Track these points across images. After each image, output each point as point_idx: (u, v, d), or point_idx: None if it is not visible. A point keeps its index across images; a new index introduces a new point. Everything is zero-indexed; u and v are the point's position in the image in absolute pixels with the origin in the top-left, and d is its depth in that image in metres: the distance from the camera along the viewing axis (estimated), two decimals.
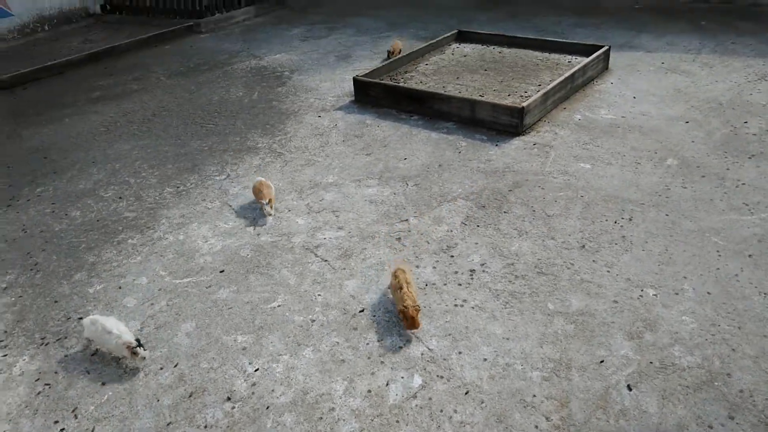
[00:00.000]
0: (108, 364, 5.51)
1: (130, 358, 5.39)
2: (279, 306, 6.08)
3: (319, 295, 6.18)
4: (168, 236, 7.34)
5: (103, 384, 5.34)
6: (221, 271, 6.65)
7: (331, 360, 5.44)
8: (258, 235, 7.22)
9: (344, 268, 6.54)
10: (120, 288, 6.50)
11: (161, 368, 5.46)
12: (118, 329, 5.42)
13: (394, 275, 5.77)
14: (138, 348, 5.35)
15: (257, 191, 7.48)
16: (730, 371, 5.08)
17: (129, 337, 5.41)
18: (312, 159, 8.94)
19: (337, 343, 5.61)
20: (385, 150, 9.00)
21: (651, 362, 5.23)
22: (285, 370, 5.37)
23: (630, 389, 5.00)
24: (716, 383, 4.99)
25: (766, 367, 5.08)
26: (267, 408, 5.03)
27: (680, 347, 5.35)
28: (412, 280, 5.80)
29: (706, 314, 5.67)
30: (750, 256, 6.34)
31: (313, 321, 5.87)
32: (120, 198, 8.30)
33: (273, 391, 5.18)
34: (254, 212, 7.65)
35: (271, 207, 7.30)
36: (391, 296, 6.03)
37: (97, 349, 5.58)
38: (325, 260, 6.68)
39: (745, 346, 5.31)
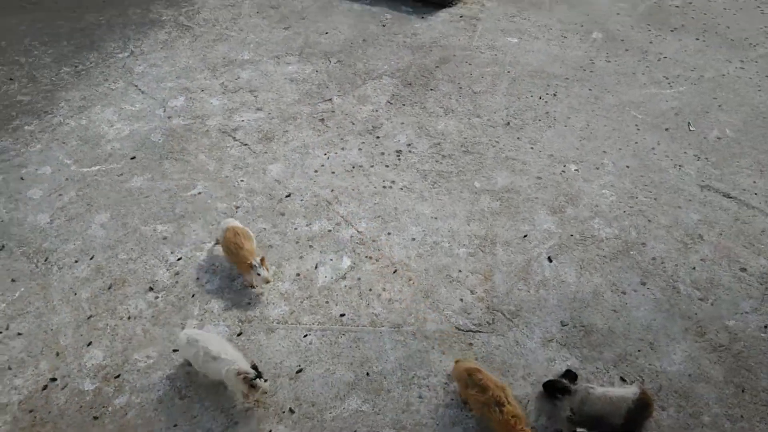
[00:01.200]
0: (17, 259, 5.15)
1: (245, 391, 3.99)
2: (200, 193, 5.78)
3: (241, 180, 5.90)
4: (69, 121, 6.70)
5: (13, 281, 5.01)
6: (132, 158, 6.19)
7: (258, 245, 5.30)
8: (169, 118, 6.70)
9: (266, 152, 6.23)
10: (22, 179, 5.96)
11: (76, 261, 5.15)
12: (226, 353, 4.05)
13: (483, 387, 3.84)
14: (257, 380, 3.96)
15: (235, 246, 4.75)
16: (645, 240, 5.34)
17: (244, 365, 4.02)
18: (224, 33, 8.23)
19: (264, 229, 5.45)
20: (304, 23, 8.38)
21: (572, 235, 5.41)
22: (210, 258, 5.19)
23: (550, 261, 5.18)
24: (631, 252, 5.25)
25: (678, 235, 5.38)
26: (192, 296, 4.90)
27: (600, 220, 5.54)
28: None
29: (624, 187, 5.85)
30: (667, 129, 6.51)
31: (238, 207, 5.63)
32: (11, 80, 7.42)
33: (198, 279, 5.03)
34: (163, 92, 7.05)
35: (267, 269, 4.74)
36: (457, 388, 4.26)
37: None
38: (245, 144, 6.33)
39: (660, 216, 5.56)
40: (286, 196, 5.74)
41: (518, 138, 6.44)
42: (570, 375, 4.11)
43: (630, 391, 3.88)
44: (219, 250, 5.14)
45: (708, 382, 4.25)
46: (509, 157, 6.21)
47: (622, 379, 4.26)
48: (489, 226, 5.49)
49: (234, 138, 6.42)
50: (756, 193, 5.76)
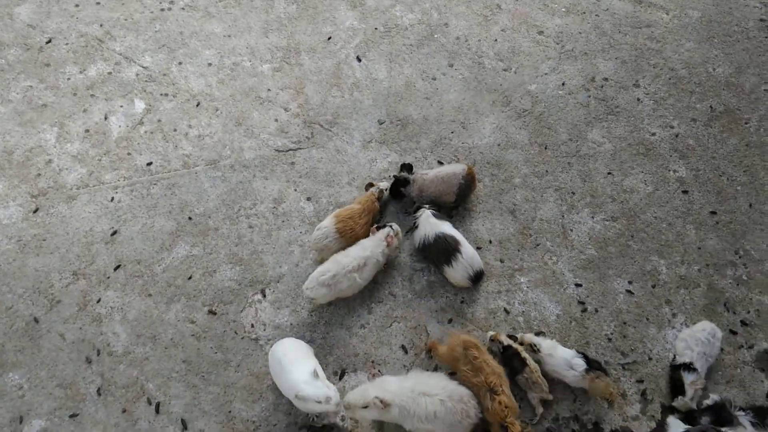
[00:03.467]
0: None
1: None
2: None
3: None
4: None
5: None
6: None
7: (29, 108, 4.53)
8: None
9: None
10: None
11: None
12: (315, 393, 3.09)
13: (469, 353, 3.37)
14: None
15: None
16: (447, 21, 5.24)
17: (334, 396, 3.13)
18: None
19: (30, 86, 4.63)
20: None
21: (376, 28, 5.16)
22: None
23: (359, 60, 4.97)
24: (436, 35, 5.15)
25: (477, 9, 5.31)
26: None
27: (401, 6, 5.30)
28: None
29: None
30: None
31: None
32: None
33: None
34: None
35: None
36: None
37: None
38: None
39: None
40: (47, 42, 4.84)
41: None
42: (406, 167, 4.16)
43: (458, 168, 4.03)
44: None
45: (515, 147, 4.51)
46: None
47: (439, 162, 4.39)
48: (290, 34, 5.07)
49: None
50: None
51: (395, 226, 3.83)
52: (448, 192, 4.03)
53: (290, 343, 3.37)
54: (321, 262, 3.71)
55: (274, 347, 3.34)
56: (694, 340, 3.48)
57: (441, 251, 3.75)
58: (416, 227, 3.90)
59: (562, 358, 3.36)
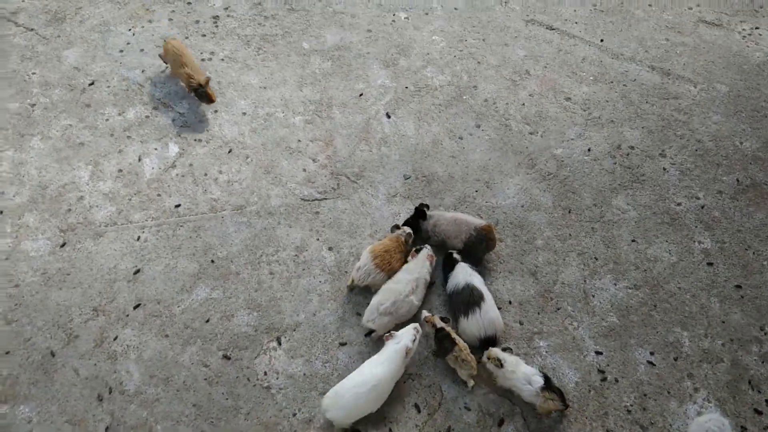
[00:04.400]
0: None
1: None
2: None
3: (33, 73, 5.08)
4: None
5: None
6: None
7: (66, 146, 4.69)
8: None
9: (59, 36, 5.37)
10: None
11: None
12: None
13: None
14: None
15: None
16: (476, 83, 5.36)
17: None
18: None
19: (70, 125, 4.81)
20: None
21: (406, 87, 5.30)
22: (12, 167, 4.54)
23: (389, 117, 5.09)
24: (464, 97, 5.27)
25: (506, 73, 5.44)
26: (1, 213, 4.31)
27: (432, 68, 5.45)
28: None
29: (454, 31, 5.75)
30: None
31: (34, 106, 4.89)
32: None
33: (3, 193, 4.41)
34: None
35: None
36: None
37: None
38: (31, 29, 5.39)
39: (489, 56, 5.57)
40: (90, 85, 5.06)
41: None
42: (425, 207, 4.26)
43: (477, 221, 4.09)
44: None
45: (539, 209, 4.52)
46: (337, 11, 5.83)
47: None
48: (323, 89, 5.23)
49: (16, 23, 5.44)
50: (576, 22, 5.91)
51: (429, 246, 4.06)
52: (457, 236, 4.10)
53: None
54: (351, 287, 4.00)
55: None
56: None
57: (463, 301, 3.75)
58: (449, 278, 3.95)
59: (523, 373, 3.45)
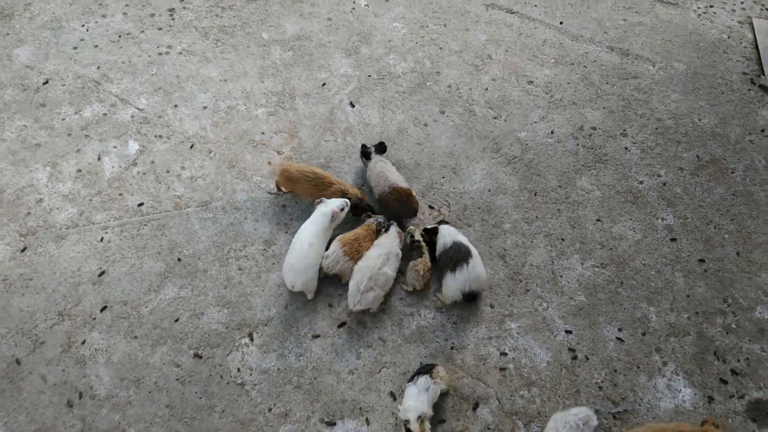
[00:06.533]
0: None
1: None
2: None
3: None
4: None
5: None
6: None
7: (22, 147, 4.55)
8: None
9: (7, 33, 5.18)
10: None
11: None
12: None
13: None
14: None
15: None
16: (439, 69, 5.36)
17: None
18: None
19: (25, 126, 4.66)
20: None
21: (369, 75, 5.27)
22: None
23: (353, 106, 5.05)
24: (428, 83, 5.26)
25: (468, 59, 5.44)
26: None
27: (394, 55, 5.43)
28: None
29: (415, 17, 5.72)
30: None
31: None
32: None
33: None
34: None
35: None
36: None
37: None
38: None
39: (451, 42, 5.56)
40: (44, 83, 4.90)
41: None
42: (381, 147, 4.48)
43: (401, 182, 4.20)
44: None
45: (505, 193, 4.55)
46: (296, 0, 5.75)
47: (431, 207, 4.42)
48: (285, 80, 5.16)
49: None
50: (536, 6, 5.93)
51: (396, 224, 4.16)
52: (376, 188, 4.29)
53: None
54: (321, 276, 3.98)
55: None
56: (564, 423, 3.24)
57: (451, 258, 3.84)
58: (436, 243, 4.06)
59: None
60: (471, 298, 3.86)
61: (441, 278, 3.93)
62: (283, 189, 4.39)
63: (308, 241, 3.88)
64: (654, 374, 3.69)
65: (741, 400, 3.59)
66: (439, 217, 4.37)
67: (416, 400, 3.31)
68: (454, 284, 3.81)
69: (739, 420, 3.51)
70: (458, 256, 3.84)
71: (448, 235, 3.99)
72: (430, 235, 4.11)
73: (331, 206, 4.01)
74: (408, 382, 3.49)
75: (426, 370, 3.47)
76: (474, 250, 3.90)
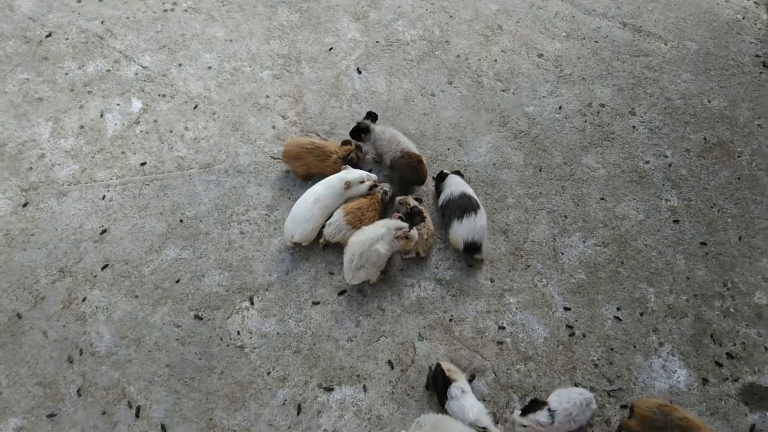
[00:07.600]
0: None
1: None
2: None
3: None
4: None
5: None
6: None
7: (24, 101, 4.50)
8: None
9: None
10: None
11: None
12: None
13: None
14: None
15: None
16: (449, 38, 5.27)
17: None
18: None
19: (27, 79, 4.59)
20: None
21: (377, 41, 5.18)
22: None
23: (360, 72, 4.98)
24: (437, 52, 5.18)
25: (479, 28, 5.35)
26: None
27: (403, 21, 5.33)
28: None
29: None
30: None
31: None
32: None
33: None
34: None
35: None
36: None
37: None
38: None
39: (461, 10, 5.46)
40: (47, 36, 4.81)
41: None
42: (371, 115, 4.39)
43: (411, 147, 4.21)
44: None
45: (510, 167, 4.53)
46: None
47: (434, 179, 4.40)
48: (291, 43, 5.08)
49: None
50: None
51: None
52: (387, 154, 4.25)
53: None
54: (324, 245, 3.98)
55: None
56: (568, 398, 3.32)
57: (459, 206, 3.92)
58: (441, 191, 4.12)
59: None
60: (472, 250, 3.90)
61: (447, 228, 4.01)
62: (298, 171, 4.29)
63: (314, 196, 3.92)
64: (650, 354, 3.73)
65: (735, 383, 3.64)
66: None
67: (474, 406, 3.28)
68: (457, 232, 3.90)
69: (732, 403, 3.57)
70: (468, 205, 3.92)
71: (457, 185, 4.06)
72: (438, 181, 4.20)
73: (349, 175, 4.00)
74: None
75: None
76: (482, 207, 3.98)
